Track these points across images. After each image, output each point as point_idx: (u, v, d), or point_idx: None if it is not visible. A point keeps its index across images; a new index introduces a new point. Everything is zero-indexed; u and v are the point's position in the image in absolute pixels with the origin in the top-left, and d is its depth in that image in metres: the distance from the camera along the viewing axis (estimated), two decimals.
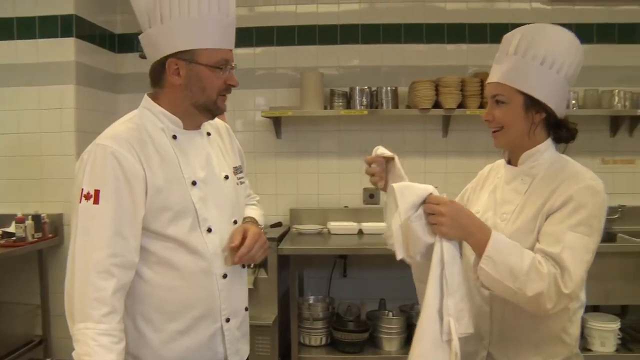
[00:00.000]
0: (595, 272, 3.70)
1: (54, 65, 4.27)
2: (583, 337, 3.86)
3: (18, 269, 4.13)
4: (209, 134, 1.93)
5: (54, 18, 4.24)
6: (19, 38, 4.29)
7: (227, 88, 1.82)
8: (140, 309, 1.77)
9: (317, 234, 4.42)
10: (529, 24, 1.80)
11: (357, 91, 4.44)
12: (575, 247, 1.60)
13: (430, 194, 1.62)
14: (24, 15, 4.27)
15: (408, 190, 1.62)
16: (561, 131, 1.80)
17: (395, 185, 1.64)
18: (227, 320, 1.88)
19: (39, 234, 3.96)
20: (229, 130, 2.08)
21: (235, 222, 1.93)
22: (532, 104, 1.73)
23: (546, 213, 1.69)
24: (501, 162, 1.94)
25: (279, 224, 4.65)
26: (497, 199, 1.86)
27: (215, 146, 1.95)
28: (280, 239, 4.09)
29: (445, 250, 1.59)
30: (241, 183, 2.01)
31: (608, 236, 4.37)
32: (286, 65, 4.75)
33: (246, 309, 2.00)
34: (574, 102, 4.36)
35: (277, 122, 4.67)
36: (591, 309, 4.04)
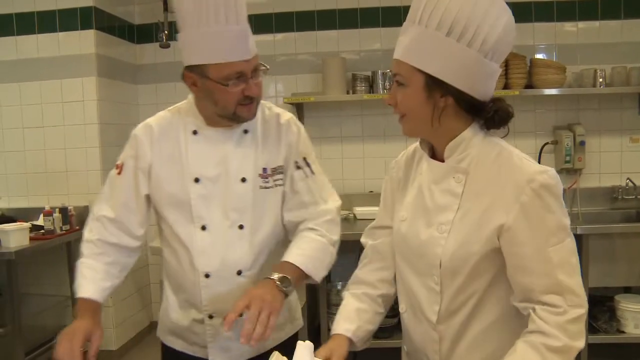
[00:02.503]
0: (626, 253, 3.72)
1: (75, 57, 4.31)
2: (616, 319, 3.82)
3: (47, 261, 4.17)
4: (245, 131, 1.87)
5: (73, 11, 4.27)
6: (40, 32, 4.33)
7: (247, 98, 1.74)
8: (164, 274, 2.01)
9: (344, 220, 4.37)
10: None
11: (380, 75, 4.39)
12: (564, 261, 1.36)
13: None
14: (44, 9, 4.30)
15: None
16: (486, 115, 1.43)
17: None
18: (210, 316, 1.88)
19: (67, 227, 4.00)
20: (282, 127, 1.91)
21: (241, 226, 1.83)
22: (435, 85, 1.38)
23: (498, 226, 1.38)
24: (417, 149, 1.63)
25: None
26: (427, 205, 1.50)
27: (248, 145, 1.87)
28: None
29: None
30: (276, 186, 1.88)
31: (638, 216, 4.31)
32: (307, 51, 4.72)
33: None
34: (600, 80, 4.27)
35: (299, 108, 4.64)
36: (623, 290, 3.98)
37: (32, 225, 3.86)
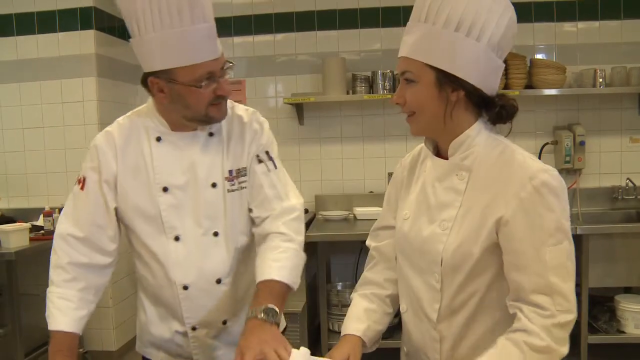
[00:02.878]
0: (626, 253, 3.72)
1: (75, 58, 4.31)
2: (616, 319, 3.81)
3: (47, 261, 4.13)
4: (211, 134, 1.79)
5: (73, 11, 4.27)
6: (40, 32, 4.34)
7: (218, 97, 1.68)
8: (139, 287, 1.92)
9: (343, 220, 4.39)
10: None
11: (380, 75, 4.39)
12: (558, 264, 1.34)
13: None
14: (44, 9, 4.30)
15: None
16: (493, 110, 1.45)
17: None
18: (193, 328, 1.82)
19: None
20: (246, 126, 1.84)
21: (216, 233, 1.77)
22: (447, 80, 1.39)
23: (497, 219, 1.38)
24: (422, 149, 1.64)
25: (305, 211, 4.60)
26: (430, 202, 1.51)
27: (215, 148, 1.79)
28: (307, 225, 4.07)
29: None
30: (241, 188, 1.81)
31: (638, 216, 4.31)
32: (307, 51, 4.71)
33: (224, 323, 1.85)
34: (600, 80, 4.27)
35: (299, 109, 4.64)
36: (623, 290, 3.98)
37: (32, 225, 3.86)
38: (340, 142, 4.71)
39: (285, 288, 1.66)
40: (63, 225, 1.76)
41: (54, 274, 1.73)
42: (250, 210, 1.83)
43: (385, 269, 1.71)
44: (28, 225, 3.73)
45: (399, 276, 1.63)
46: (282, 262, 1.68)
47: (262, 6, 4.67)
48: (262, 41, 4.68)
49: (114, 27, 4.53)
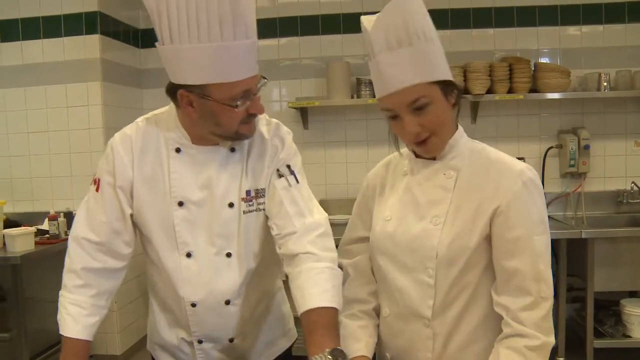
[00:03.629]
0: (631, 257, 3.71)
1: (80, 62, 4.31)
2: (622, 323, 3.80)
3: (52, 265, 4.12)
4: (233, 149, 1.71)
5: (78, 16, 4.27)
6: (45, 37, 4.34)
7: (250, 115, 1.60)
8: (150, 289, 1.89)
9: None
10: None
11: None
12: (543, 252, 1.44)
13: None
14: (49, 14, 4.31)
15: None
16: (454, 93, 1.49)
17: None
18: (200, 341, 1.80)
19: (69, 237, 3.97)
20: (266, 143, 1.75)
21: (229, 254, 1.71)
22: (447, 87, 1.45)
23: (493, 210, 1.44)
24: (391, 161, 1.70)
25: None
26: (418, 201, 1.54)
27: (235, 166, 1.71)
28: None
29: None
30: (258, 210, 1.73)
31: None
32: (311, 55, 4.71)
33: (231, 340, 1.80)
34: (605, 84, 4.26)
35: (304, 113, 4.64)
36: (628, 294, 3.97)
37: (37, 229, 3.86)
38: (345, 146, 4.72)
39: (334, 312, 1.54)
40: (78, 228, 1.71)
41: (67, 279, 1.70)
42: (270, 227, 1.72)
43: (364, 284, 1.70)
44: (33, 229, 3.72)
45: (380, 280, 1.64)
46: (322, 285, 1.55)
47: (266, 10, 4.68)
48: (266, 45, 4.68)
49: (119, 32, 4.54)
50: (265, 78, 1.61)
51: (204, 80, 1.48)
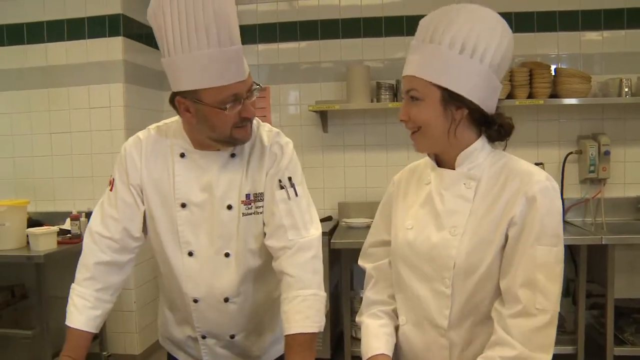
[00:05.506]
0: None
1: (103, 64, 4.36)
2: None
3: (74, 265, 4.17)
4: (233, 155, 1.80)
5: (102, 18, 4.33)
6: (69, 39, 4.40)
7: (243, 119, 1.69)
8: (160, 287, 2.01)
9: (366, 227, 4.35)
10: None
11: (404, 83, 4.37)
12: (547, 264, 1.41)
13: None
14: (74, 16, 4.37)
15: None
16: (492, 128, 1.52)
17: None
18: (203, 337, 1.90)
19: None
20: (266, 150, 1.83)
21: (227, 254, 1.81)
22: (451, 98, 1.45)
23: (509, 220, 1.45)
24: (417, 166, 1.73)
25: (329, 218, 4.66)
26: (437, 210, 1.55)
27: (235, 170, 1.81)
28: (330, 233, 4.09)
29: None
30: (257, 213, 1.82)
31: None
32: (331, 59, 4.73)
33: (232, 337, 1.91)
34: (626, 89, 4.24)
35: (323, 116, 4.66)
36: None
37: (60, 229, 3.90)
38: (364, 149, 4.73)
39: (313, 335, 1.71)
40: (92, 223, 1.86)
41: (78, 272, 1.82)
42: (264, 234, 1.82)
43: (386, 286, 1.72)
44: (56, 228, 3.78)
45: (398, 288, 1.65)
46: (304, 312, 1.70)
47: (287, 14, 4.71)
48: (287, 48, 4.72)
49: (142, 34, 4.59)
50: (258, 85, 1.71)
51: (195, 85, 1.59)
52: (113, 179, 1.85)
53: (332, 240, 3.88)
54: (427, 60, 1.45)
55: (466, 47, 1.42)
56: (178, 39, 1.55)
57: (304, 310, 1.70)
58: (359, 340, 1.73)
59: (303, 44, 4.75)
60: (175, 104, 1.69)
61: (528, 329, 1.38)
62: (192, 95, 1.62)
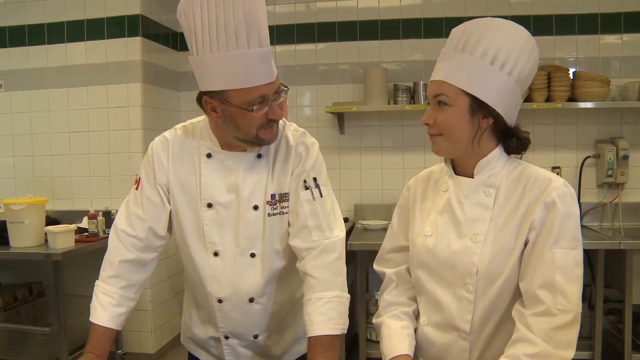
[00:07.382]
0: None
1: (121, 64, 4.39)
2: None
3: (91, 263, 4.20)
4: (259, 155, 1.80)
5: (121, 19, 4.36)
6: (89, 39, 4.44)
7: (270, 121, 1.68)
8: (186, 286, 2.02)
9: (382, 230, 4.38)
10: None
11: (421, 86, 4.38)
12: (566, 266, 1.43)
13: None
14: (93, 17, 4.41)
15: None
16: (511, 140, 1.56)
17: None
18: (226, 337, 1.91)
19: (110, 230, 4.04)
20: (292, 150, 1.83)
21: (253, 254, 1.81)
22: (479, 107, 1.48)
23: (529, 226, 1.47)
24: (432, 172, 1.75)
25: (345, 220, 4.63)
26: (457, 218, 1.57)
27: (261, 171, 1.81)
28: (346, 234, 4.08)
29: None
30: (282, 213, 1.82)
31: None
32: (348, 61, 4.73)
33: (255, 337, 1.91)
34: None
35: (340, 118, 4.66)
36: None
37: (78, 227, 3.94)
38: (380, 152, 4.73)
39: (336, 337, 1.71)
40: (118, 220, 1.86)
41: (102, 269, 1.83)
42: (290, 238, 1.82)
43: (407, 289, 1.74)
44: (74, 227, 3.80)
45: (419, 291, 1.67)
46: (328, 314, 1.70)
47: (305, 15, 4.73)
48: (304, 50, 4.73)
49: (160, 35, 4.62)
50: (286, 87, 1.70)
51: (223, 86, 1.60)
52: (139, 178, 1.85)
53: (348, 242, 3.88)
54: (458, 67, 1.49)
55: (497, 59, 1.46)
56: (207, 39, 1.55)
57: (328, 312, 1.70)
58: (374, 342, 1.74)
59: (320, 45, 4.76)
60: (202, 103, 1.69)
61: (549, 327, 1.40)
62: (219, 96, 1.62)
